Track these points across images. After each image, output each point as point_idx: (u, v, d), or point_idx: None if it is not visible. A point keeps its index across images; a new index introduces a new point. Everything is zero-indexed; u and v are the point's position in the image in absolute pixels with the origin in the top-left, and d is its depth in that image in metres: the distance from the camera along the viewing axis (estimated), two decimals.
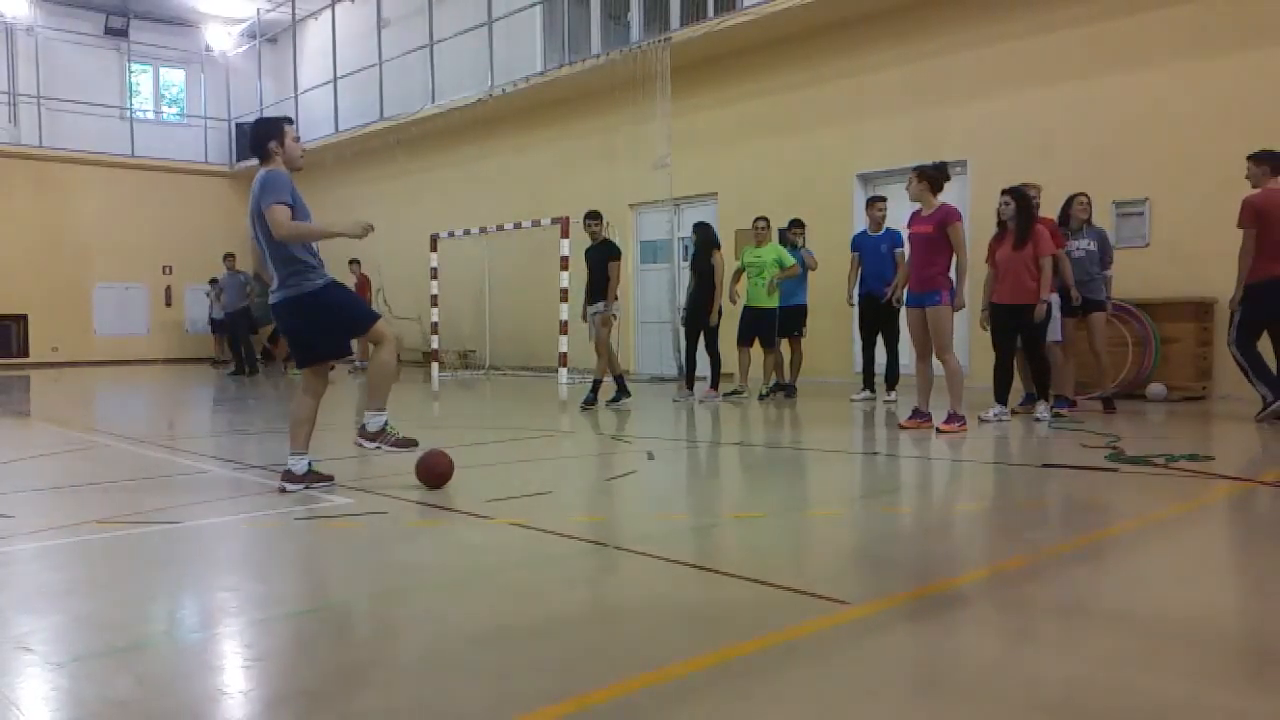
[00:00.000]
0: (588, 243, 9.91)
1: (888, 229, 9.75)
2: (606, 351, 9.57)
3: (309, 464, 5.10)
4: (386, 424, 5.15)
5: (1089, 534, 4.10)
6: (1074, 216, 8.41)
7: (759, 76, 13.23)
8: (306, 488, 5.01)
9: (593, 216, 9.70)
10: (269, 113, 19.95)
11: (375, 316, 5.17)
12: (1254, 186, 7.72)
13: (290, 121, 5.20)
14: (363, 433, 5.15)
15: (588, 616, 3.02)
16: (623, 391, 9.75)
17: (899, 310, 9.66)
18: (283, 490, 4.98)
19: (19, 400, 12.80)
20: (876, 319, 9.74)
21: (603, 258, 9.46)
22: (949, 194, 7.85)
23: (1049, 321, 7.92)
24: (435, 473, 5.06)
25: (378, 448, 5.14)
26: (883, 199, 9.94)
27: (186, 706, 2.30)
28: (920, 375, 7.59)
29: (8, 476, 5.82)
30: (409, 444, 5.17)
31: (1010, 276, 7.68)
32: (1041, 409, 7.83)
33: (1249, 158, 7.80)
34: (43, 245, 20.95)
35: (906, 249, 8.86)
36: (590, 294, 9.63)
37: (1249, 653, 2.59)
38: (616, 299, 9.58)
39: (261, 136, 5.03)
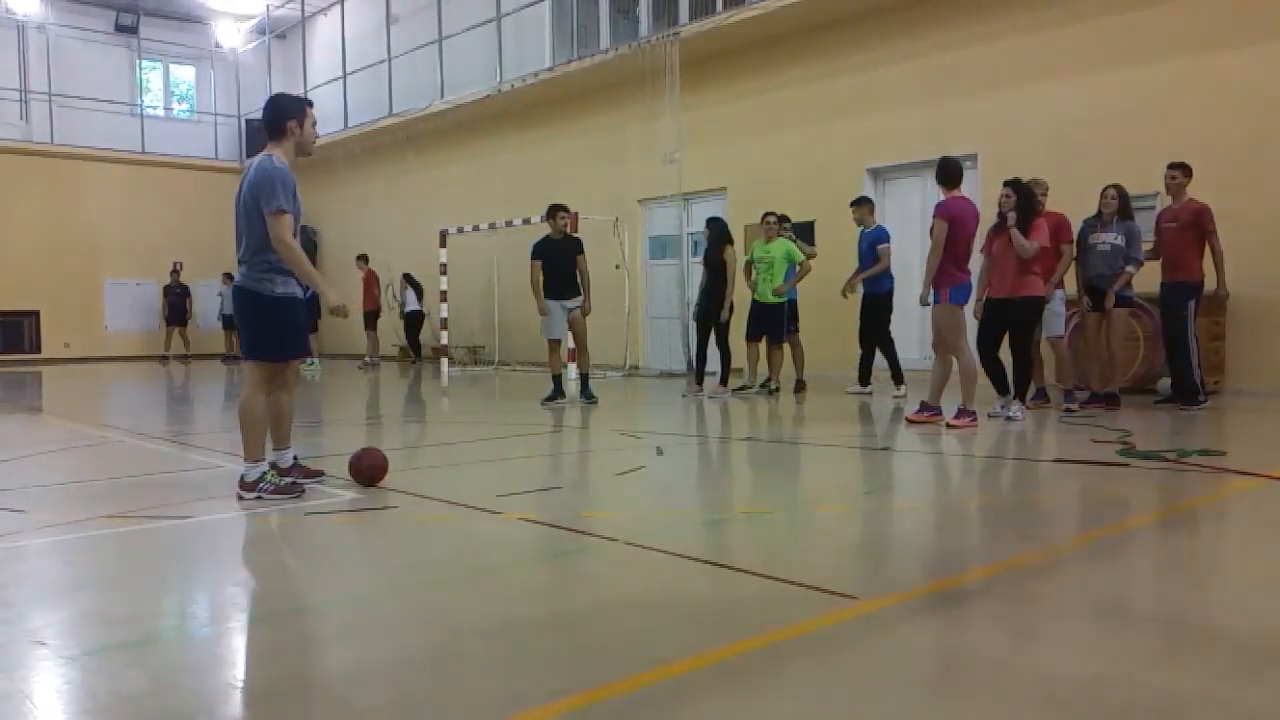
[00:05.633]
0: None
1: (879, 225, 9.86)
2: (586, 345, 9.66)
3: (294, 457, 5.06)
4: (265, 473, 4.71)
5: (1100, 529, 4.09)
6: (1101, 210, 8.24)
7: (768, 71, 13.19)
8: (294, 482, 4.94)
9: (562, 209, 9.56)
10: None
11: (270, 355, 4.77)
12: (1169, 192, 8.08)
13: (311, 104, 4.96)
14: (241, 483, 4.71)
15: (596, 611, 3.02)
16: (558, 392, 9.64)
17: (889, 309, 9.72)
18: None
19: (31, 396, 12.87)
20: (864, 316, 9.89)
21: (573, 252, 9.44)
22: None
23: (1039, 317, 7.80)
24: (365, 469, 5.01)
25: (257, 497, 4.63)
26: (860, 200, 10.04)
27: (197, 700, 2.31)
28: (936, 370, 7.53)
29: (20, 471, 5.85)
30: (293, 490, 4.73)
31: (1007, 270, 7.45)
32: (1016, 408, 7.50)
33: (1173, 166, 8.03)
34: (54, 242, 21.04)
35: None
36: (563, 288, 9.42)
37: (1262, 649, 2.58)
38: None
39: (282, 113, 4.77)
